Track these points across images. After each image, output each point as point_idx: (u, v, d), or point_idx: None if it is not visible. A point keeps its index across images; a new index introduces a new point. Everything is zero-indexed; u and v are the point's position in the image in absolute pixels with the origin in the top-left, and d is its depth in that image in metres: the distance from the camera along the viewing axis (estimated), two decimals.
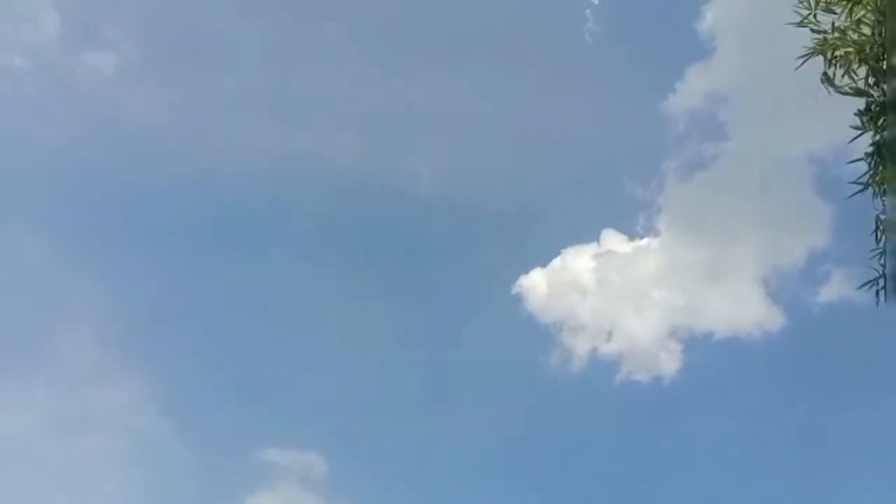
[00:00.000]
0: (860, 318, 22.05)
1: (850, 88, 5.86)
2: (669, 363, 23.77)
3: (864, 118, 5.92)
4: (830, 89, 6.09)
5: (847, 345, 23.24)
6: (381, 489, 23.18)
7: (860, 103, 6.14)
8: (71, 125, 25.79)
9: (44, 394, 23.71)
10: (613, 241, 25.67)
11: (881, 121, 5.93)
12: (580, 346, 24.20)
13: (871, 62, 6.10)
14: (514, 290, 24.88)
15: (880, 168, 5.82)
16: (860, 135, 5.94)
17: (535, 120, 26.56)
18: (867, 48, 6.14)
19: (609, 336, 24.31)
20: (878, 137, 5.89)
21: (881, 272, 6.00)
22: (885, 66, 5.80)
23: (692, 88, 25.13)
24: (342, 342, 25.61)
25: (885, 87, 5.72)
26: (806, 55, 6.52)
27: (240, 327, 26.05)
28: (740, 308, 24.09)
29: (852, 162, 5.94)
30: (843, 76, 6.00)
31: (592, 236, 25.77)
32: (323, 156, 26.51)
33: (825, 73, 6.22)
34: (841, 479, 21.95)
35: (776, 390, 23.75)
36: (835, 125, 6.40)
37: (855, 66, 6.10)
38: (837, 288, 22.41)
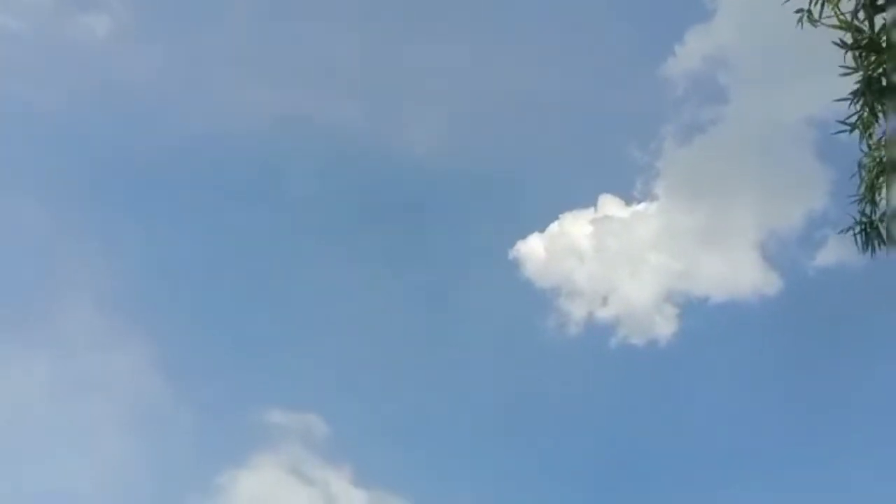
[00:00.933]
0: (856, 281, 22.12)
1: (839, 21, 5.79)
2: (665, 327, 23.87)
3: (854, 54, 5.87)
4: (812, 23, 6.00)
5: (843, 308, 23.31)
6: (381, 450, 23.38)
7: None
8: (65, 87, 25.53)
9: (44, 358, 23.83)
10: (611, 206, 25.65)
11: (872, 58, 5.89)
12: (577, 311, 24.29)
13: None
14: (512, 255, 24.93)
15: (866, 108, 5.78)
16: (851, 72, 5.89)
17: (534, 83, 26.33)
18: None
19: (605, 300, 24.41)
20: (867, 74, 5.84)
21: (858, 219, 5.81)
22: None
23: (692, 51, 24.80)
24: (341, 305, 25.71)
25: (878, 20, 5.66)
26: None
27: (239, 290, 26.12)
28: (737, 272, 24.13)
29: (838, 101, 5.88)
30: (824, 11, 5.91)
31: (590, 201, 25.75)
32: (319, 118, 26.32)
33: (809, 10, 6.13)
34: (836, 440, 22.10)
35: (772, 354, 23.84)
36: (835, 88, 6.34)
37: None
38: (834, 252, 22.45)
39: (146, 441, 23.10)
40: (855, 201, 6.01)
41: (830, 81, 6.06)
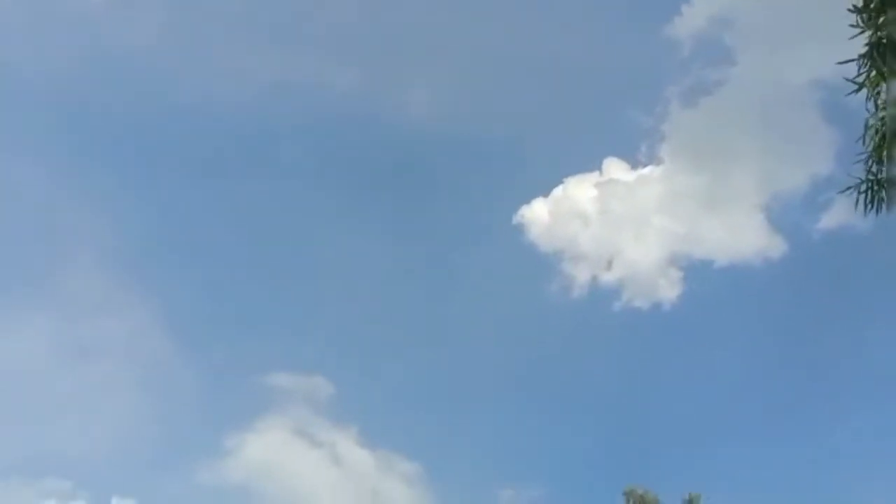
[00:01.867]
0: (860, 244, 22.10)
1: None
2: (669, 290, 23.95)
3: (862, 16, 5.81)
4: None
5: (847, 271, 23.35)
6: (387, 411, 23.72)
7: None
8: (62, 51, 25.45)
9: (51, 322, 24.07)
10: (616, 169, 25.56)
11: (880, 19, 5.81)
12: (581, 275, 24.38)
13: None
14: (516, 219, 24.94)
15: (874, 69, 5.71)
16: (860, 34, 5.83)
17: (536, 45, 26.11)
18: None
19: (609, 264, 24.46)
20: (874, 37, 5.78)
21: (864, 177, 5.77)
22: None
23: (698, 11, 24.58)
24: (346, 268, 25.83)
25: None
26: None
27: (244, 254, 26.29)
28: (741, 235, 24.13)
29: (844, 63, 5.81)
30: None
31: (595, 165, 25.66)
32: (317, 82, 26.23)
33: None
34: (839, 403, 22.27)
35: (775, 317, 23.94)
36: (843, 51, 6.25)
37: None
38: (839, 215, 22.38)
39: (153, 404, 23.42)
40: (861, 161, 5.94)
41: (838, 43, 5.99)
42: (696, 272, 23.95)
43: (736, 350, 23.83)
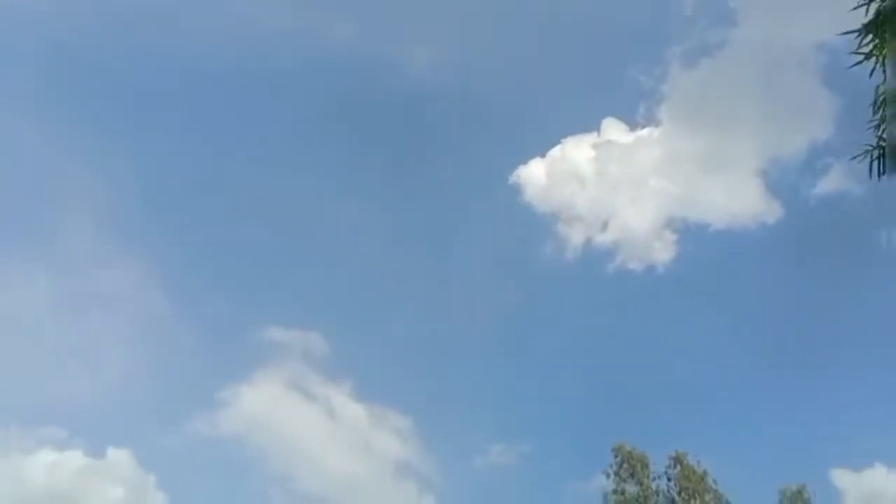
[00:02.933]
0: (856, 210, 22.19)
1: None
2: (663, 253, 24.13)
3: None
4: None
5: (842, 237, 23.50)
6: (381, 367, 24.05)
7: None
8: (59, 5, 25.07)
9: (47, 276, 24.20)
10: (614, 130, 25.51)
11: None
12: (576, 236, 24.52)
13: None
14: (513, 179, 24.95)
15: (878, 39, 5.69)
16: (863, 4, 5.80)
17: (537, 2, 25.80)
18: None
19: (605, 226, 24.58)
20: (879, 5, 5.74)
21: (876, 143, 5.92)
22: None
23: None
24: (342, 225, 25.95)
25: None
26: None
27: (240, 209, 26.29)
28: (738, 199, 24.23)
29: (848, 33, 5.78)
30: None
31: (593, 125, 25.61)
32: (318, 34, 25.96)
33: None
34: (831, 366, 22.64)
35: (769, 281, 24.20)
36: (847, 15, 6.20)
37: None
38: (836, 181, 22.42)
39: (149, 357, 23.69)
40: (872, 127, 5.96)
41: (842, 7, 5.94)
42: (692, 235, 24.12)
43: (728, 313, 24.11)
